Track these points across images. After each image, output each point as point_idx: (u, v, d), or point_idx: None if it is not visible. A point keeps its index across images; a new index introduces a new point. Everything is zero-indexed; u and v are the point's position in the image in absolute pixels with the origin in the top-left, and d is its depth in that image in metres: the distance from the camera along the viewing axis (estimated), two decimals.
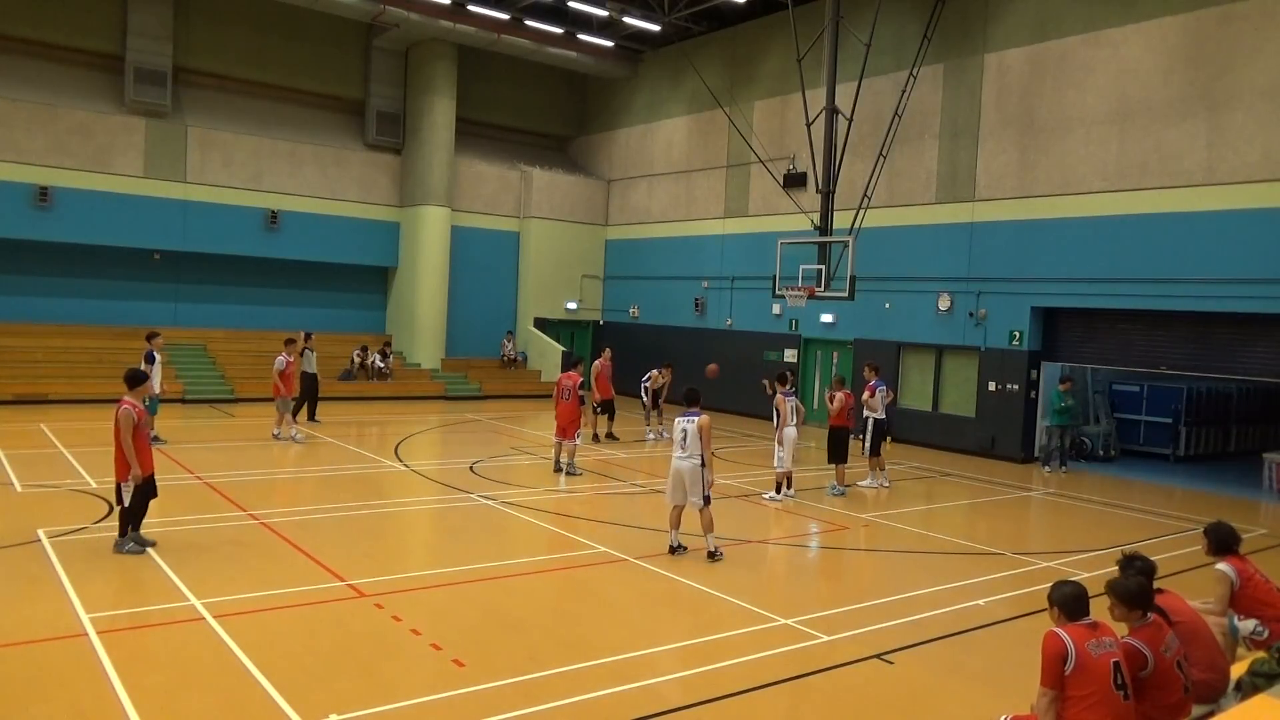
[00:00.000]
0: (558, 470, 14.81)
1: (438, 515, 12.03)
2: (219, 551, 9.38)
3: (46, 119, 21.68)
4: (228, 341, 24.03)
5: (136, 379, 9.41)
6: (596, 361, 19.14)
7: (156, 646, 6.87)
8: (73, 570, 8.40)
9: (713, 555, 9.82)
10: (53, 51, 22.80)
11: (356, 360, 24.63)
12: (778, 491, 13.53)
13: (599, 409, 18.69)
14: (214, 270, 24.67)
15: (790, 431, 13.43)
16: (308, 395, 18.65)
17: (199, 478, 12.91)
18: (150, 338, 15.91)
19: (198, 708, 5.83)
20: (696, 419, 9.83)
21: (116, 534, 9.20)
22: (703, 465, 9.80)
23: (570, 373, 15.24)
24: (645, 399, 19.85)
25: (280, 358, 16.81)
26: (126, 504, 9.08)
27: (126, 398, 9.17)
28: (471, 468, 14.93)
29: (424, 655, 6.92)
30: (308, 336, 18.75)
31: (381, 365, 24.80)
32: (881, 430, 15.13)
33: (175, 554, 9.05)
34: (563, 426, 14.70)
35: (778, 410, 13.57)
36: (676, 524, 10.06)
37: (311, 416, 18.91)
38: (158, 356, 15.67)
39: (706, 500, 9.82)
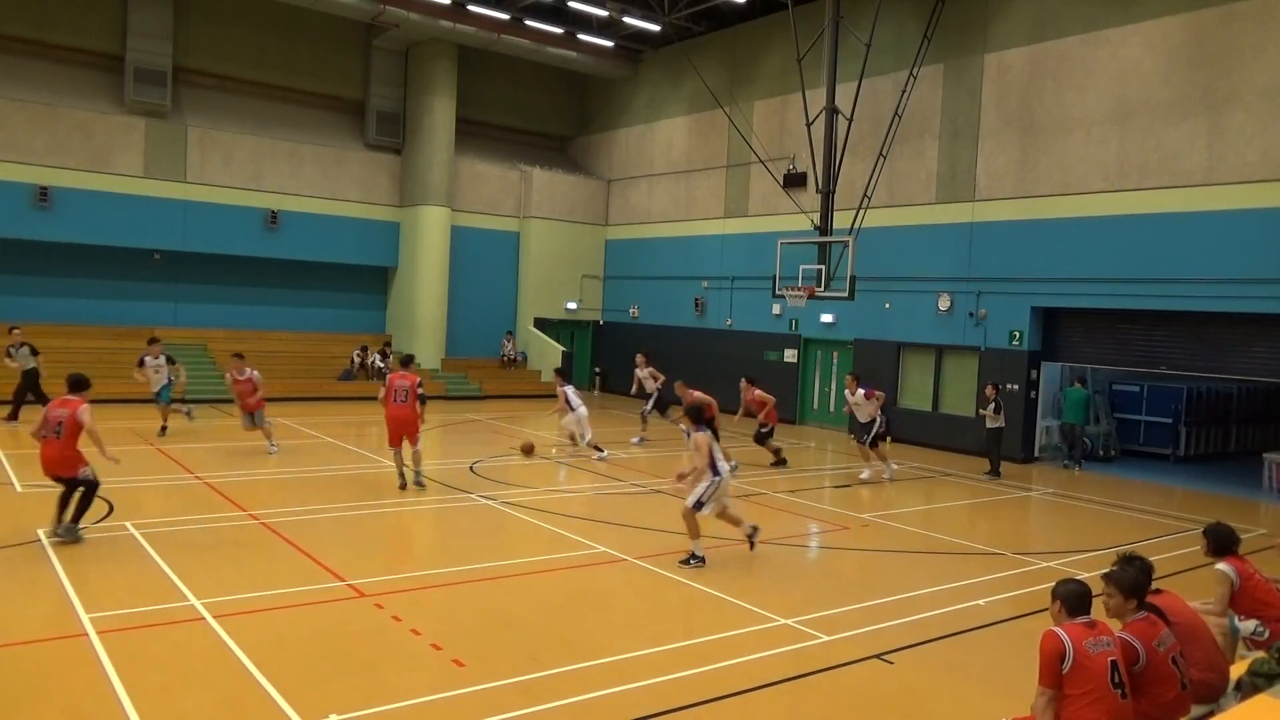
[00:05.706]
0: (403, 487, 12.82)
1: (438, 515, 12.03)
2: (219, 551, 9.38)
3: (46, 119, 21.67)
4: (228, 341, 23.95)
5: (82, 384, 9.99)
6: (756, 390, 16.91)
7: (156, 646, 6.87)
8: (73, 570, 8.40)
9: None
10: (53, 51, 22.78)
11: (356, 360, 24.65)
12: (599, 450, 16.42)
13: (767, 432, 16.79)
14: (214, 270, 24.67)
15: (574, 415, 16.86)
16: (20, 393, 17.38)
17: (199, 478, 12.91)
18: (150, 343, 16.86)
19: (198, 708, 5.84)
20: None
21: (71, 520, 9.40)
22: None
23: (403, 372, 13.18)
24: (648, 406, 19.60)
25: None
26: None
27: (73, 397, 9.70)
28: (471, 468, 14.93)
29: (424, 655, 6.92)
30: (11, 330, 17.28)
31: (382, 365, 24.77)
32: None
33: (175, 554, 9.05)
34: (390, 434, 12.80)
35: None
36: None
37: (12, 416, 17.18)
38: (147, 360, 16.47)
39: None
